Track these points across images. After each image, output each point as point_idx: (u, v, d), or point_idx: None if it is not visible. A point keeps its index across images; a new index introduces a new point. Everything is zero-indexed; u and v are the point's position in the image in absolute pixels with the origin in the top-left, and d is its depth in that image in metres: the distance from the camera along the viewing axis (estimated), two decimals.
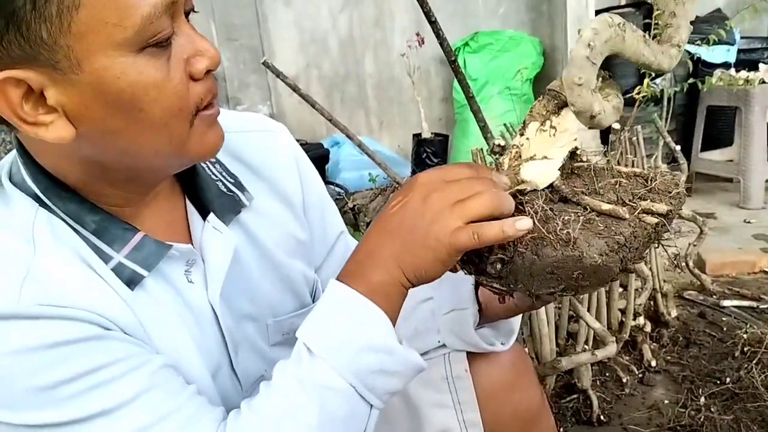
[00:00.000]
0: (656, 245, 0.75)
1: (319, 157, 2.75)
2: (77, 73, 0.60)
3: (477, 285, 0.96)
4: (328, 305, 0.69)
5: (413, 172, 4.35)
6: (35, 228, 0.66)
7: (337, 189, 2.69)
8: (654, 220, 0.68)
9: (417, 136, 4.36)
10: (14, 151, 0.71)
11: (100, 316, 0.64)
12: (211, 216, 0.79)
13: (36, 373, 0.60)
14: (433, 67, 4.77)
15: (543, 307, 1.78)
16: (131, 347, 0.66)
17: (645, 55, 0.68)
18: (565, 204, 0.71)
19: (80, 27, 0.58)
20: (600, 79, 0.72)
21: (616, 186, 0.73)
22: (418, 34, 4.11)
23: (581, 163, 0.78)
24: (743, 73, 3.74)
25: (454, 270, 0.73)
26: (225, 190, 0.82)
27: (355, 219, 2.74)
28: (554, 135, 0.74)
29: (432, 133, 4.36)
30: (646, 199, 0.71)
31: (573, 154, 0.77)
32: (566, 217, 0.67)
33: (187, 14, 0.68)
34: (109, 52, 0.60)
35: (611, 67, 4.48)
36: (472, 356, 1.00)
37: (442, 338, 0.99)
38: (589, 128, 0.71)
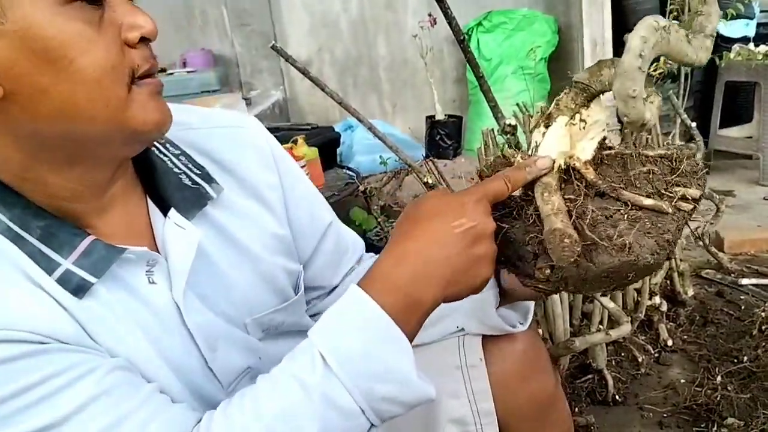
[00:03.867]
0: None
1: (330, 140, 2.74)
2: (3, 23, 0.58)
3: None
4: (352, 317, 0.66)
5: (426, 156, 4.33)
6: None
7: (349, 173, 2.68)
8: (689, 206, 0.69)
9: (430, 118, 4.33)
10: None
11: (33, 333, 0.61)
12: (172, 212, 0.75)
13: None
14: (446, 47, 4.72)
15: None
16: (73, 356, 0.63)
17: (688, 55, 0.68)
18: (602, 199, 0.70)
19: None
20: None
21: (649, 175, 0.73)
22: (430, 15, 4.07)
23: (608, 151, 0.77)
24: (762, 48, 3.66)
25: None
26: (189, 183, 0.78)
27: (367, 202, 2.73)
28: (584, 128, 0.73)
29: (446, 115, 4.33)
30: (679, 185, 0.71)
31: (601, 145, 0.76)
32: (615, 218, 0.67)
33: None
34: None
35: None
36: (485, 344, 0.99)
37: (461, 322, 0.97)
38: (638, 133, 0.71)
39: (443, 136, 4.17)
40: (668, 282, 2.27)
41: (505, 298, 0.96)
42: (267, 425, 0.62)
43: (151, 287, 0.72)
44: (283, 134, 2.36)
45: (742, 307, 2.32)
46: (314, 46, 4.80)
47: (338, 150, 3.08)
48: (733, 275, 2.55)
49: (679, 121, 2.53)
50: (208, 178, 0.80)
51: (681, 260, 2.31)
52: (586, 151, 0.73)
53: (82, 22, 0.61)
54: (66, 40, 0.60)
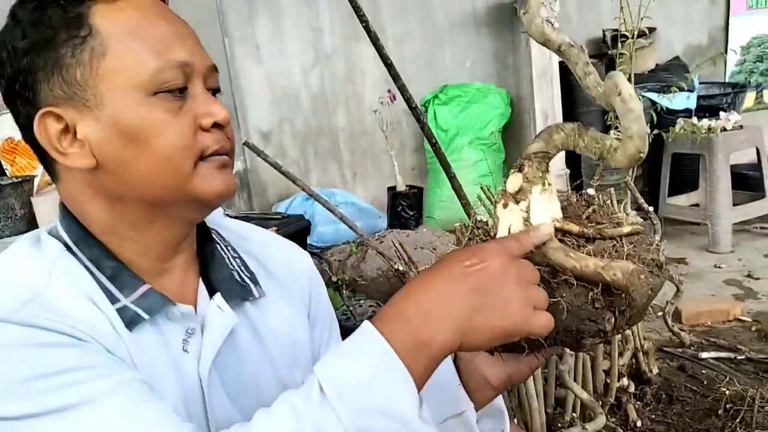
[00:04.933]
0: None
1: (301, 229, 2.76)
2: (101, 109, 0.73)
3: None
4: (356, 350, 0.66)
5: (390, 225, 4.38)
6: (55, 267, 0.75)
7: (313, 251, 2.68)
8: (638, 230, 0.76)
9: (392, 189, 4.40)
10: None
11: (77, 329, 0.69)
12: (217, 295, 0.84)
13: (11, 368, 0.65)
14: (405, 118, 4.84)
15: (532, 380, 1.80)
16: (108, 359, 0.70)
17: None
18: (589, 242, 0.75)
19: (105, 71, 0.72)
20: (578, 128, 0.77)
21: (593, 213, 0.80)
22: (389, 92, 4.18)
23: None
24: (705, 122, 3.88)
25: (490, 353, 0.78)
26: (238, 279, 0.87)
27: (339, 291, 2.73)
28: (551, 191, 0.78)
29: (406, 186, 4.40)
30: (617, 218, 0.79)
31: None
32: (621, 252, 0.72)
33: (214, 92, 0.79)
34: (126, 92, 0.72)
35: (578, 116, 4.59)
36: None
37: None
38: (627, 167, 0.75)
39: (405, 207, 4.23)
40: (634, 361, 2.32)
41: (477, 405, 0.94)
42: None
43: (184, 355, 0.79)
44: (255, 223, 2.35)
45: (705, 382, 2.39)
46: (275, 117, 4.85)
47: (307, 238, 3.09)
48: (693, 348, 2.62)
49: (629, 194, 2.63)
50: (255, 281, 0.89)
51: (644, 338, 2.37)
52: (557, 211, 0.78)
53: (163, 110, 0.74)
54: (147, 125, 0.73)
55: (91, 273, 0.77)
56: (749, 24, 5.24)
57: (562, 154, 4.88)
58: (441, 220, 4.38)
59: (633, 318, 0.72)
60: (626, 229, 0.74)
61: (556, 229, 0.75)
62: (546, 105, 4.65)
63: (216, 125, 0.77)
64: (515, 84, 4.88)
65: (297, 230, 2.73)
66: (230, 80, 4.66)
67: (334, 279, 2.31)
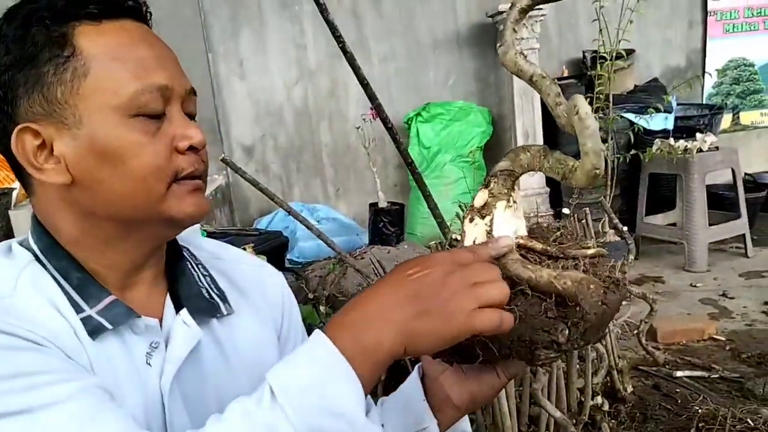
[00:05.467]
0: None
1: (278, 245, 2.76)
2: (79, 128, 0.74)
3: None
4: (305, 354, 0.68)
5: (371, 241, 4.38)
6: (22, 274, 0.77)
7: (292, 267, 2.68)
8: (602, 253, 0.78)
9: (373, 206, 4.41)
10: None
11: (36, 334, 0.70)
12: (183, 311, 0.84)
13: None
14: (387, 135, 4.85)
15: (505, 398, 1.81)
16: (68, 364, 0.71)
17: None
18: (552, 260, 0.76)
19: (86, 90, 0.74)
20: (544, 150, 0.79)
21: (563, 238, 0.81)
22: (372, 108, 4.20)
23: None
24: (682, 143, 3.94)
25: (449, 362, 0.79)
26: (206, 296, 0.88)
27: (315, 308, 2.71)
28: (516, 209, 0.80)
29: (388, 203, 4.42)
30: (583, 242, 0.80)
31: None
32: (581, 270, 0.72)
33: (191, 117, 0.81)
34: (105, 113, 0.74)
35: (557, 136, 4.62)
36: None
37: None
38: (587, 186, 0.76)
39: (386, 224, 4.25)
40: (608, 380, 2.34)
41: (442, 424, 0.95)
42: None
43: (147, 368, 0.79)
44: (231, 239, 2.36)
45: (679, 401, 2.41)
46: (258, 133, 4.87)
47: (285, 254, 3.09)
48: (667, 367, 2.65)
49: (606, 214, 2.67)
50: (224, 299, 0.90)
51: (619, 357, 2.39)
52: (521, 228, 0.80)
53: (140, 132, 0.75)
54: (123, 146, 0.75)
55: (58, 283, 0.78)
56: (726, 47, 5.35)
57: (542, 174, 4.87)
58: (423, 236, 4.40)
59: (589, 333, 0.72)
60: (590, 251, 0.75)
61: (520, 246, 0.77)
62: (527, 124, 4.71)
63: (191, 148, 0.78)
64: (497, 103, 4.94)
65: (275, 246, 2.73)
66: (213, 95, 4.68)
67: (310, 296, 2.31)
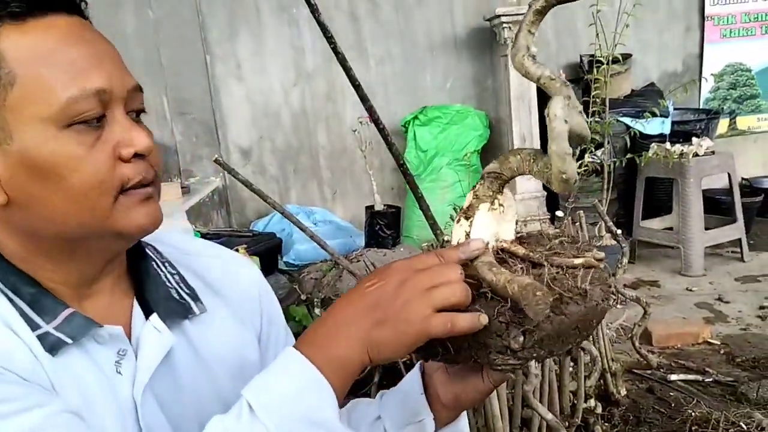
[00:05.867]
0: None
1: (271, 247, 2.76)
2: (9, 143, 0.68)
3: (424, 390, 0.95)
4: (280, 369, 0.69)
5: (367, 244, 4.39)
6: None
7: (288, 270, 2.68)
8: (602, 265, 0.76)
9: (370, 209, 4.41)
10: None
11: (1, 366, 0.66)
12: (154, 316, 0.80)
13: None
14: None
15: (497, 400, 1.81)
16: (27, 389, 0.66)
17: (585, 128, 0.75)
18: (536, 269, 0.75)
19: (13, 102, 0.67)
20: (535, 154, 0.78)
21: (562, 245, 0.80)
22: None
23: (521, 234, 0.84)
24: (678, 147, 3.94)
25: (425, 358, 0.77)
26: (177, 296, 0.84)
27: (309, 308, 2.71)
28: (502, 212, 0.80)
29: (384, 205, 4.43)
30: (586, 250, 0.78)
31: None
32: (560, 278, 0.71)
33: (138, 113, 0.75)
34: (36, 125, 0.67)
35: None
36: None
37: None
38: (562, 191, 0.76)
39: (382, 226, 4.25)
40: (602, 382, 2.34)
41: (439, 420, 0.95)
42: None
43: (117, 377, 0.76)
44: (225, 240, 2.36)
45: (673, 405, 2.41)
46: (255, 135, 4.87)
47: (279, 256, 3.09)
48: (662, 370, 2.65)
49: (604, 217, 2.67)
50: (195, 298, 0.86)
51: (613, 360, 2.39)
52: (508, 232, 0.80)
53: (77, 144, 0.68)
54: (58, 161, 0.68)
55: (10, 300, 0.73)
56: (723, 52, 5.36)
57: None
58: (419, 239, 4.40)
59: (548, 342, 0.70)
60: (578, 261, 0.74)
61: (503, 250, 0.77)
62: (524, 128, 4.71)
63: (137, 155, 0.72)
64: (494, 106, 4.94)
65: (268, 248, 2.73)
66: (211, 97, 4.68)
67: (303, 297, 2.30)
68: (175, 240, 0.92)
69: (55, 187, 0.69)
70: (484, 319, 0.68)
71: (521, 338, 0.68)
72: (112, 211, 0.71)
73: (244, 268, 0.97)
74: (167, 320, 0.81)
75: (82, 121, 0.69)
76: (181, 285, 0.86)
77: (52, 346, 0.71)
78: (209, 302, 0.88)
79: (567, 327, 0.69)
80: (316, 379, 0.67)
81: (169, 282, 0.85)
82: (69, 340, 0.72)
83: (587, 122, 0.74)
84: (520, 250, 0.77)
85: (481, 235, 0.76)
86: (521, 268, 0.73)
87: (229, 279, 0.93)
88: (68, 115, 0.68)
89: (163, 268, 0.86)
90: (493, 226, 0.79)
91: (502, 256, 0.76)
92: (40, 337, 0.71)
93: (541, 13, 0.76)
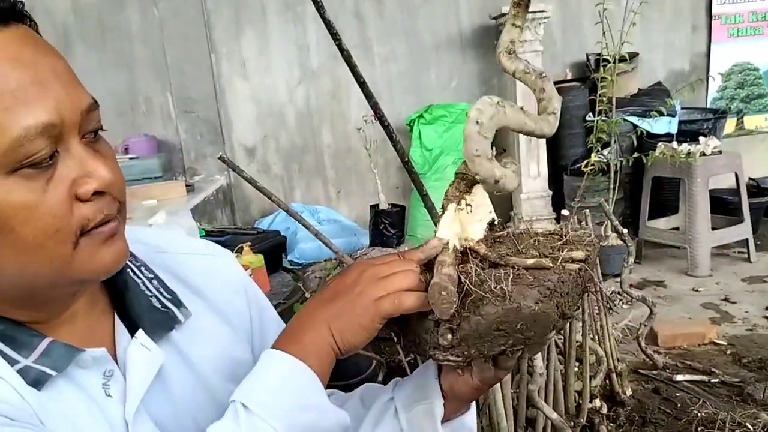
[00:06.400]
0: (586, 293, 0.81)
1: (276, 245, 2.75)
2: None
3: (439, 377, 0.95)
4: (262, 368, 0.71)
5: (372, 243, 4.38)
6: None
7: (292, 268, 2.68)
8: (576, 266, 0.75)
9: (374, 207, 4.41)
10: None
11: None
12: (140, 333, 0.76)
13: None
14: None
15: (501, 399, 1.79)
16: (19, 429, 0.62)
17: (527, 125, 0.77)
18: (495, 269, 0.76)
19: None
20: (495, 151, 0.78)
21: (536, 244, 0.81)
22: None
23: (501, 233, 0.84)
24: (685, 146, 3.92)
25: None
26: (159, 305, 0.79)
27: (304, 290, 2.70)
28: (471, 211, 0.81)
29: (389, 204, 4.42)
30: (563, 251, 0.78)
31: (492, 226, 0.82)
32: (497, 276, 0.72)
33: (94, 132, 0.67)
34: None
35: (560, 138, 4.61)
36: None
37: None
38: (497, 193, 0.77)
39: (387, 225, 4.24)
40: (607, 382, 2.33)
41: (450, 406, 0.95)
42: None
43: (107, 399, 0.72)
44: (229, 238, 2.35)
45: (678, 405, 2.39)
46: (260, 134, 4.87)
47: (283, 254, 3.09)
48: (667, 371, 2.63)
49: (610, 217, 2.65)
50: (178, 303, 0.82)
51: (618, 360, 2.37)
52: (476, 231, 0.81)
53: (25, 190, 0.61)
54: (7, 213, 0.60)
55: None
56: (730, 51, 5.33)
57: (545, 177, 4.94)
58: (424, 238, 4.36)
59: (472, 341, 0.71)
60: (529, 261, 0.74)
61: (469, 249, 0.78)
62: None
63: (97, 193, 0.65)
64: None
65: (272, 246, 2.72)
66: (216, 96, 4.68)
67: (308, 295, 2.30)
68: (149, 237, 0.86)
69: (4, 241, 0.61)
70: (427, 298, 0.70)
71: (449, 335, 0.71)
72: (73, 258, 0.64)
73: (222, 259, 0.93)
74: (153, 334, 0.77)
75: (31, 164, 0.60)
76: (161, 290, 0.81)
77: (36, 380, 0.66)
78: (192, 304, 0.83)
79: (486, 327, 0.69)
80: (297, 366, 0.69)
81: (149, 290, 0.80)
82: (53, 372, 0.67)
83: (528, 117, 0.75)
84: (482, 249, 0.78)
85: (444, 234, 0.77)
86: (476, 268, 0.73)
87: (211, 277, 0.89)
88: (13, 159, 0.59)
89: (140, 275, 0.81)
90: (457, 225, 0.79)
91: (467, 257, 0.77)
92: (20, 372, 0.66)
93: (519, 5, 0.77)
